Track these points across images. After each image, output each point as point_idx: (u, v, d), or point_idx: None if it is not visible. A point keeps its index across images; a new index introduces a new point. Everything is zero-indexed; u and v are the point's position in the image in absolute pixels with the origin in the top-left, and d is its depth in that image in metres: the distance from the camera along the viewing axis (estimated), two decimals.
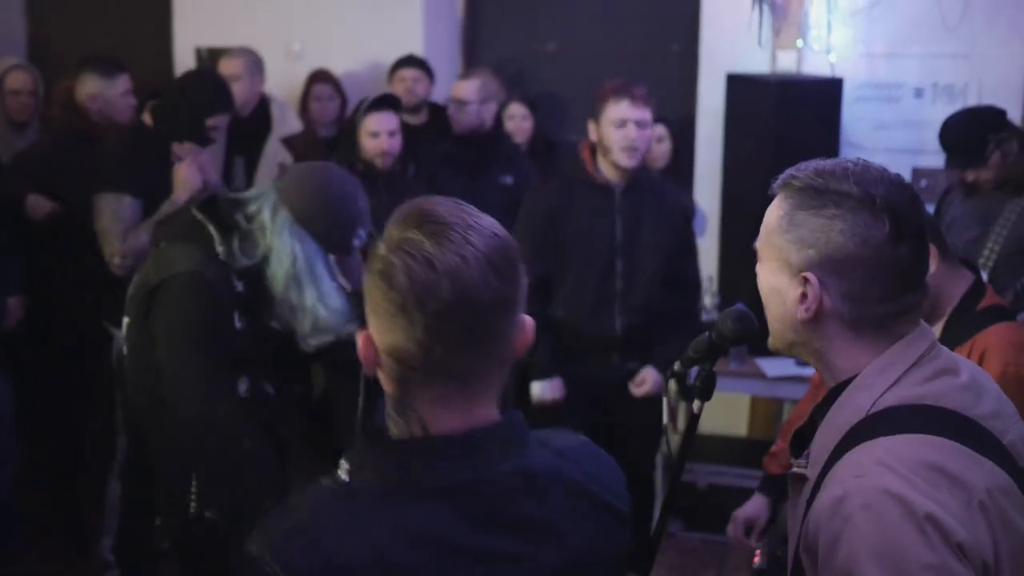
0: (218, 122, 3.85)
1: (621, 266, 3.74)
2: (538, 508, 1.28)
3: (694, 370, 1.93)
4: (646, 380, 3.77)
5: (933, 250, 2.42)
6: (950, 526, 1.31)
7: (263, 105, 5.05)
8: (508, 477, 1.27)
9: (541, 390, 3.79)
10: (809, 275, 1.46)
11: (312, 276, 2.58)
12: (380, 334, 1.27)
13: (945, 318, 2.45)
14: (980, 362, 2.41)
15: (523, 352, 1.33)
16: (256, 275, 2.59)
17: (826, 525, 1.36)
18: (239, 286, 2.59)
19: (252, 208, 2.60)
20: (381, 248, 1.28)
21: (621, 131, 3.62)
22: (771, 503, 2.70)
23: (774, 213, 1.51)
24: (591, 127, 3.73)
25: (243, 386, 2.67)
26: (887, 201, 1.44)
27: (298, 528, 1.23)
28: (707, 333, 1.86)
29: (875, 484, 1.34)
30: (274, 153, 4.95)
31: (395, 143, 4.06)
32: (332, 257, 2.63)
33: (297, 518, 1.25)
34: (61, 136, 4.29)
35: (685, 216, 3.94)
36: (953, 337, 2.45)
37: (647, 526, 4.09)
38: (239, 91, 4.57)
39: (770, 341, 1.59)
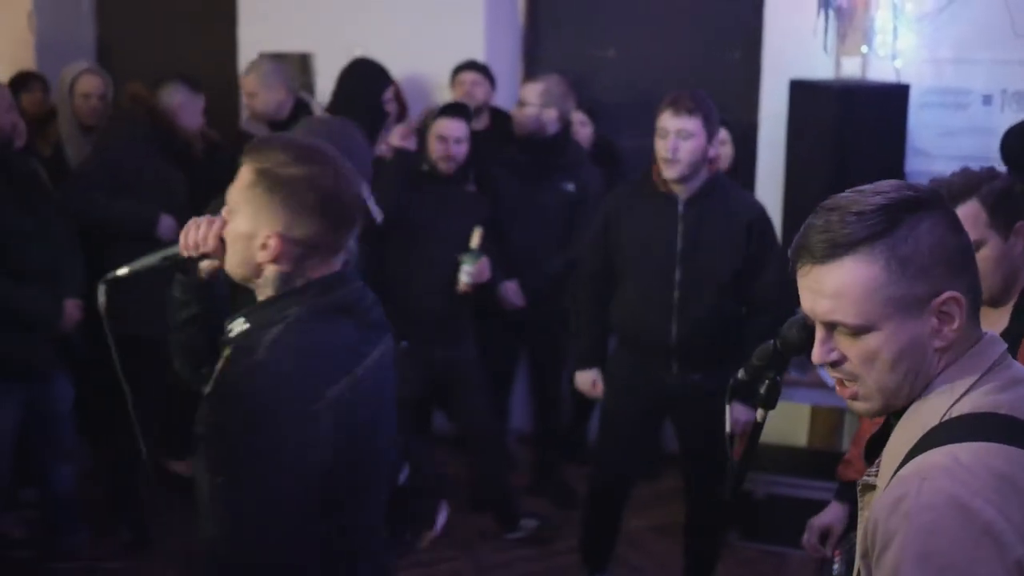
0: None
1: (680, 276, 3.69)
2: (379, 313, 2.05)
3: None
4: (732, 410, 3.70)
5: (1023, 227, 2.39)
6: (1009, 541, 1.28)
7: (301, 106, 5.05)
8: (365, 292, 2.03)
9: (581, 379, 3.90)
10: (951, 294, 1.40)
11: None
12: (295, 228, 1.88)
13: (1015, 301, 2.41)
14: None
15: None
16: None
17: (884, 523, 1.35)
18: None
19: None
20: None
21: (663, 142, 3.60)
22: (848, 511, 2.66)
23: (858, 276, 1.39)
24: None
25: None
26: (930, 195, 1.43)
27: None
28: (772, 341, 1.84)
29: (938, 487, 1.32)
30: None
31: (460, 150, 4.23)
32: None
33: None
34: (142, 142, 4.38)
35: (753, 227, 3.70)
36: (1021, 322, 2.40)
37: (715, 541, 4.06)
38: (260, 104, 4.74)
39: (869, 407, 1.48)
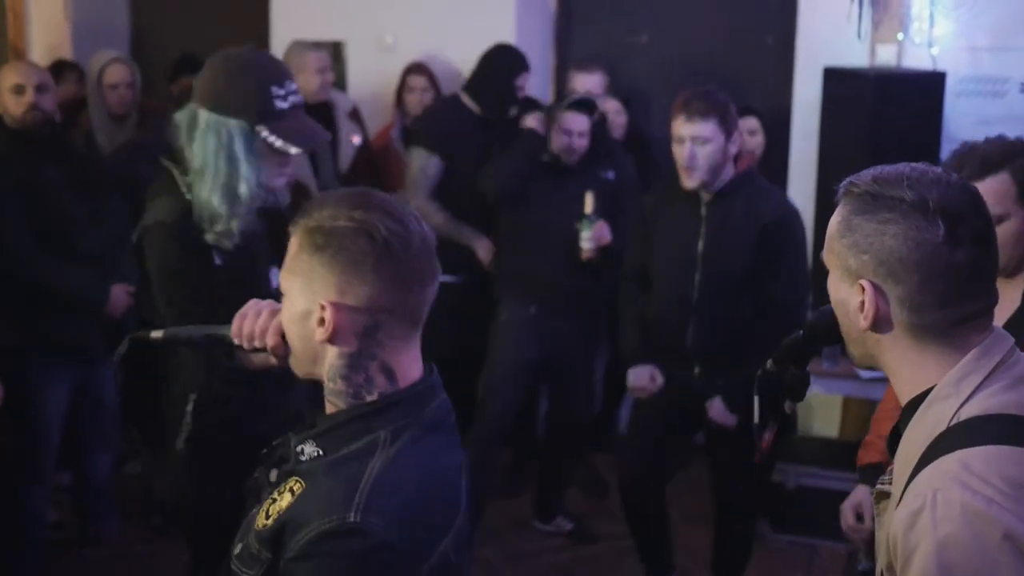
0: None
1: (699, 278, 3.63)
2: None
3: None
4: (712, 408, 3.67)
5: None
6: None
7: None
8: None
9: (632, 378, 3.81)
10: (864, 282, 1.44)
11: (227, 166, 2.52)
12: (353, 288, 1.51)
13: None
14: None
15: None
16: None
17: (903, 539, 1.34)
18: None
19: (175, 122, 2.59)
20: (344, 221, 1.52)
21: (679, 149, 3.53)
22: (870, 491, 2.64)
23: (834, 220, 1.51)
24: None
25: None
26: (941, 204, 1.40)
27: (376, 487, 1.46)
28: (799, 333, 1.82)
29: (952, 498, 1.31)
30: (347, 130, 5.05)
31: (583, 143, 4.30)
32: (267, 127, 2.53)
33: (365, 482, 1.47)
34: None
35: (767, 230, 3.58)
36: None
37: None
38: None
39: (848, 353, 1.58)
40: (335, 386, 1.56)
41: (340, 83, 5.45)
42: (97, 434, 4.17)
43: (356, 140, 5.08)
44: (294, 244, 1.56)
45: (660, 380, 3.77)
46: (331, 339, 1.53)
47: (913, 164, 1.47)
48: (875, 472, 2.59)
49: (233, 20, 6.00)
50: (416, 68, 5.17)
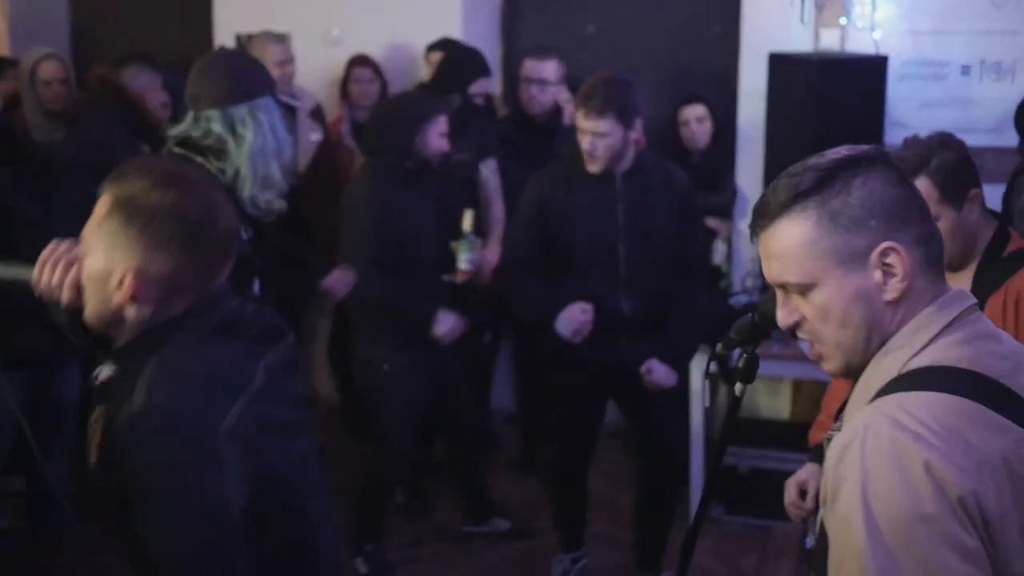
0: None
1: (624, 251, 3.70)
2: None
3: (735, 352, 1.91)
4: (651, 370, 3.72)
5: (978, 194, 2.43)
6: (953, 479, 1.29)
7: None
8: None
9: (563, 324, 3.67)
10: (889, 244, 1.41)
11: (276, 139, 2.82)
12: (155, 264, 1.66)
13: (975, 265, 2.48)
14: (1016, 306, 2.43)
15: None
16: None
17: (833, 471, 1.37)
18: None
19: (200, 131, 2.82)
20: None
21: (582, 139, 3.63)
22: (821, 470, 2.67)
23: (799, 230, 1.43)
24: None
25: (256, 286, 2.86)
26: (875, 153, 1.46)
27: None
28: (750, 315, 1.84)
29: (880, 432, 1.33)
30: (306, 128, 4.99)
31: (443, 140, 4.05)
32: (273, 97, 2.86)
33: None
34: (114, 121, 4.34)
35: (686, 198, 3.80)
36: (984, 284, 2.46)
37: (685, 511, 4.09)
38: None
39: (829, 365, 1.50)
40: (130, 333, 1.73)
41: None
42: (53, 437, 4.10)
43: (314, 138, 5.04)
44: (104, 205, 1.69)
45: (590, 310, 3.67)
46: (130, 301, 1.68)
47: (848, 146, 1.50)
48: (823, 453, 2.63)
49: (176, 14, 5.93)
50: (362, 60, 5.14)
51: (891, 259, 1.41)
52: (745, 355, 1.85)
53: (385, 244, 3.82)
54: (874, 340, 1.45)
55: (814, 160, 1.45)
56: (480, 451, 4.50)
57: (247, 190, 2.81)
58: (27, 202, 3.80)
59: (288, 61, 4.84)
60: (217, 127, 2.79)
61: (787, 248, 1.44)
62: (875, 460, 1.32)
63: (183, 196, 1.67)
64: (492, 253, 4.42)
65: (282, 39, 4.92)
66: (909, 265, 1.42)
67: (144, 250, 1.65)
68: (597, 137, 3.58)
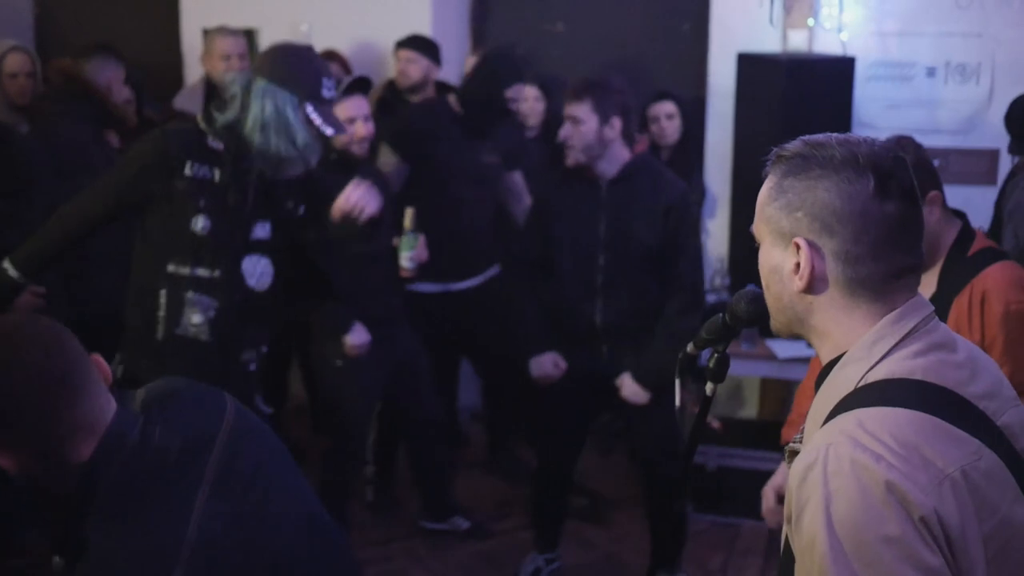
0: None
1: (603, 261, 3.69)
2: None
3: (705, 352, 1.91)
4: (623, 385, 3.73)
5: (937, 196, 2.45)
6: (914, 499, 1.30)
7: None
8: None
9: (535, 367, 3.79)
10: (799, 240, 1.45)
11: (281, 122, 3.03)
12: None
13: (940, 266, 2.51)
14: (981, 305, 2.46)
15: None
16: (235, 137, 3.07)
17: (796, 492, 1.37)
18: (218, 145, 3.06)
19: (228, 93, 3.10)
20: None
21: (564, 128, 3.64)
22: None
23: (765, 187, 1.52)
24: None
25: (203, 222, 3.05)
26: (870, 159, 1.44)
27: None
28: (720, 315, 1.83)
29: (841, 453, 1.34)
30: None
31: (369, 128, 4.01)
32: (312, 106, 3.05)
33: None
34: (77, 114, 4.28)
35: (671, 211, 3.65)
36: (950, 284, 2.48)
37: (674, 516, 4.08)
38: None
39: (772, 324, 1.58)
40: None
41: None
42: None
43: None
44: None
45: (563, 365, 3.79)
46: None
47: (839, 134, 1.51)
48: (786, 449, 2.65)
49: (141, 8, 5.86)
50: (330, 56, 5.10)
51: (800, 255, 1.46)
52: (716, 355, 1.84)
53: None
54: (789, 316, 1.52)
55: (825, 138, 1.48)
56: (442, 448, 4.46)
57: (255, 147, 3.06)
58: None
59: (234, 55, 4.77)
60: (236, 88, 3.09)
61: (759, 196, 1.54)
62: (837, 482, 1.33)
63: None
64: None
65: (236, 33, 4.88)
66: (817, 270, 1.45)
67: None
68: (575, 123, 3.58)
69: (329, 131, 3.09)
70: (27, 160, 3.96)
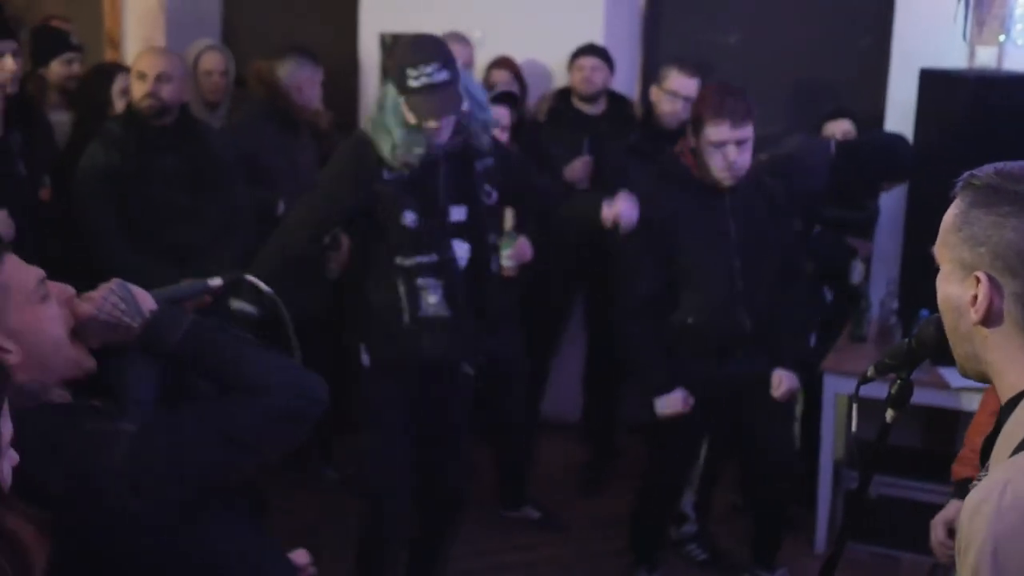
0: None
1: (740, 266, 3.65)
2: None
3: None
4: (782, 381, 3.73)
5: None
6: None
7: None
8: None
9: (663, 405, 3.71)
10: (980, 274, 1.41)
11: (379, 118, 3.22)
12: None
13: None
14: None
15: None
16: None
17: (967, 527, 1.33)
18: None
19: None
20: None
21: (719, 152, 3.54)
22: None
23: (951, 212, 1.48)
24: (689, 134, 3.68)
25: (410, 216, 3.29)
26: None
27: None
28: (906, 340, 1.77)
29: (1018, 492, 1.29)
30: None
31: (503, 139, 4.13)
32: (403, 98, 3.16)
33: None
34: (262, 115, 4.46)
35: (784, 205, 3.82)
36: None
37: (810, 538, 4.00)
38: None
39: (955, 356, 1.53)
40: None
41: None
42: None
43: None
44: None
45: (692, 400, 3.71)
46: None
47: None
48: (967, 488, 2.53)
49: (322, 13, 6.05)
50: (501, 62, 5.16)
51: (979, 289, 1.42)
52: (900, 381, 1.78)
53: None
54: (967, 350, 1.48)
55: (1012, 170, 1.44)
56: (521, 442, 4.58)
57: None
58: (179, 195, 3.94)
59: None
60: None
61: (943, 220, 1.49)
62: (1009, 521, 1.28)
63: None
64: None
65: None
66: (995, 306, 1.41)
67: None
68: (742, 146, 3.54)
69: (412, 119, 3.17)
70: (216, 157, 4.13)
